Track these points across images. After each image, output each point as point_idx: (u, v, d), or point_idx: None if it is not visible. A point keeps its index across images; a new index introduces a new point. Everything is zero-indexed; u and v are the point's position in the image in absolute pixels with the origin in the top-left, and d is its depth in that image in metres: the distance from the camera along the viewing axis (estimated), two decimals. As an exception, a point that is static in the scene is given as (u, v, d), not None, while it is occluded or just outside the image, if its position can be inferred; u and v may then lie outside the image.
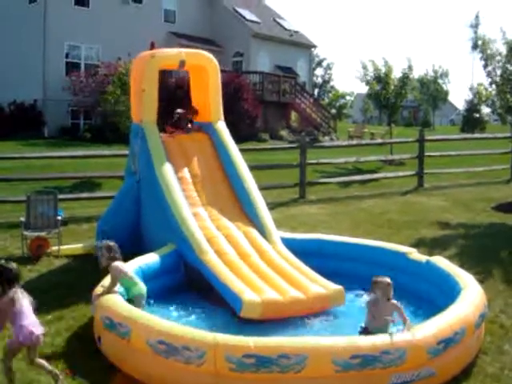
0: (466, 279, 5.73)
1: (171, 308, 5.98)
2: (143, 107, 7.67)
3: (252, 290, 5.78)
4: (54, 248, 7.98)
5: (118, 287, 5.47)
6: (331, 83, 65.34)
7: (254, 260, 6.44)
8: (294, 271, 6.31)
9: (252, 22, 32.15)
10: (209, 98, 8.15)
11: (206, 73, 8.08)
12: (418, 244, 8.34)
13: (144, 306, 5.60)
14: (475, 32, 32.46)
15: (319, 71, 63.90)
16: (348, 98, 63.18)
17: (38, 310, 4.42)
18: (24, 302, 4.23)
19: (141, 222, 7.80)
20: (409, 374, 4.37)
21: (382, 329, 4.83)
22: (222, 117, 8.26)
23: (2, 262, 4.48)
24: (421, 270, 6.41)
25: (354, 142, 21.79)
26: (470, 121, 43.25)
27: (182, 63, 7.89)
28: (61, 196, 8.86)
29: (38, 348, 4.37)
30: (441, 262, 6.35)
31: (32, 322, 4.21)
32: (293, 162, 13.23)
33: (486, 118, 46.56)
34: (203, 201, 7.23)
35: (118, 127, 16.68)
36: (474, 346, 5.04)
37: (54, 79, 24.83)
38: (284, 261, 6.53)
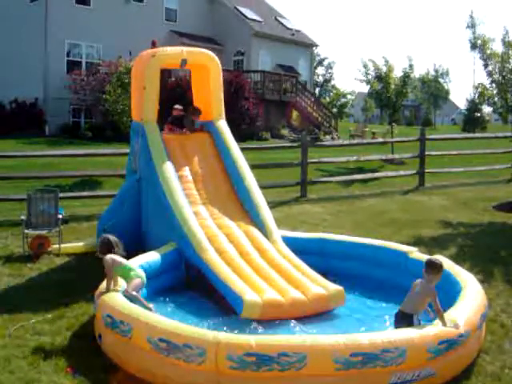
0: (466, 278, 5.74)
1: (172, 306, 5.98)
2: (144, 105, 7.64)
3: (252, 289, 5.77)
4: (55, 246, 7.98)
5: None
6: (332, 82, 65.28)
7: (255, 259, 6.43)
8: (295, 271, 6.31)
9: (253, 20, 32.10)
10: (210, 97, 8.12)
11: (207, 71, 8.06)
12: (418, 243, 8.32)
13: (141, 289, 5.57)
14: (473, 32, 32.38)
15: (320, 70, 63.79)
16: (349, 97, 63.11)
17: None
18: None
19: (141, 221, 7.80)
20: (409, 373, 4.36)
21: (411, 313, 4.80)
22: (224, 115, 8.25)
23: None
24: (421, 270, 6.37)
25: (355, 141, 21.78)
26: (471, 120, 43.25)
27: (184, 62, 7.87)
28: (61, 194, 8.84)
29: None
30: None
31: None
32: (294, 161, 13.23)
33: (487, 117, 46.55)
34: (204, 199, 7.22)
35: (119, 126, 16.71)
36: (474, 346, 5.03)
37: (55, 78, 24.84)
38: (285, 260, 6.51)
